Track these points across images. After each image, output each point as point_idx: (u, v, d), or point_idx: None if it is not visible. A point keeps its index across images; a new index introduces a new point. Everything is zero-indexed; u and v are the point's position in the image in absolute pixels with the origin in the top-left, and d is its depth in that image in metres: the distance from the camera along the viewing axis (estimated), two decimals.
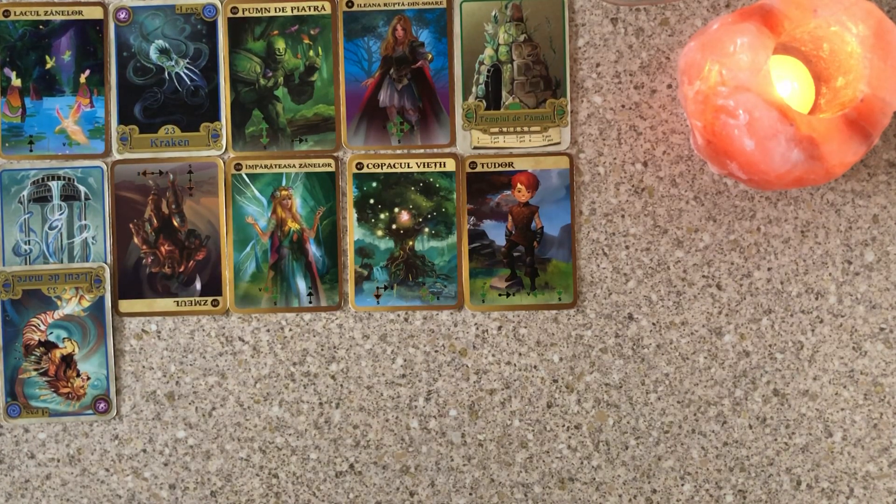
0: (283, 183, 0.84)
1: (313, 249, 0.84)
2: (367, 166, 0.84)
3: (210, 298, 0.84)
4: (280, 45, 0.84)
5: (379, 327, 0.84)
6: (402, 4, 0.84)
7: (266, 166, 0.84)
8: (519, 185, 0.84)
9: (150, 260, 0.84)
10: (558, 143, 0.84)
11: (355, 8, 0.84)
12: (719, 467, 0.83)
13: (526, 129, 0.84)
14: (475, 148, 0.84)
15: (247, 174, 0.84)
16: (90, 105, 0.84)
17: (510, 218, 0.84)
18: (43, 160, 0.84)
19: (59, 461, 0.84)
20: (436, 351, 0.84)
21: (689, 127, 0.83)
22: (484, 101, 0.84)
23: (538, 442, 0.84)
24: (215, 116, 0.84)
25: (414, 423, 0.84)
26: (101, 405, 0.83)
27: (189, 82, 0.84)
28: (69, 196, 0.84)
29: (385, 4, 0.84)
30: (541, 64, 0.84)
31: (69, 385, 0.83)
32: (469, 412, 0.84)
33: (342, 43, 0.84)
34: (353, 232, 0.84)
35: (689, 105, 0.78)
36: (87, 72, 0.84)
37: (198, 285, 0.84)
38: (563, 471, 0.84)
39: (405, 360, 0.84)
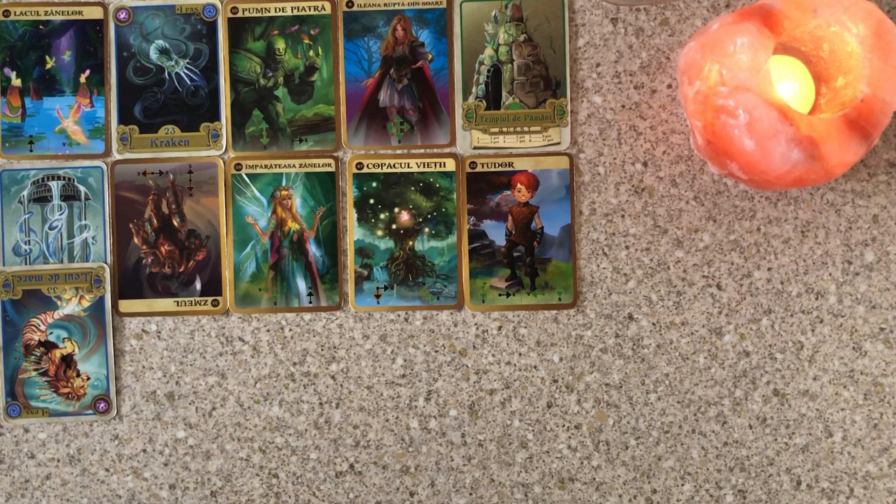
0: (283, 183, 0.84)
1: (313, 249, 0.84)
2: (367, 166, 0.84)
3: (210, 298, 0.84)
4: (280, 45, 0.84)
5: (379, 327, 0.84)
6: (402, 4, 0.84)
7: (266, 166, 0.84)
8: (519, 185, 0.84)
9: (150, 260, 0.84)
10: (558, 143, 0.84)
11: (355, 8, 0.84)
12: (719, 467, 0.83)
13: (526, 129, 0.84)
14: (475, 148, 0.84)
15: (247, 174, 0.84)
16: (90, 105, 0.84)
17: (510, 218, 0.84)
18: (43, 160, 0.84)
19: (59, 461, 0.84)
20: (436, 351, 0.84)
21: (689, 127, 0.83)
22: (484, 101, 0.84)
23: (538, 442, 0.84)
24: (215, 116, 0.84)
25: (414, 423, 0.84)
26: (101, 405, 0.83)
27: (189, 82, 0.84)
28: (69, 196, 0.84)
29: (385, 4, 0.84)
30: (541, 64, 0.84)
31: (69, 385, 0.83)
32: (469, 412, 0.84)
33: (342, 43, 0.84)
34: (353, 232, 0.84)
35: (689, 105, 0.78)
36: (87, 72, 0.84)
37: (198, 285, 0.84)
38: (563, 471, 0.84)
39: (405, 360, 0.84)
